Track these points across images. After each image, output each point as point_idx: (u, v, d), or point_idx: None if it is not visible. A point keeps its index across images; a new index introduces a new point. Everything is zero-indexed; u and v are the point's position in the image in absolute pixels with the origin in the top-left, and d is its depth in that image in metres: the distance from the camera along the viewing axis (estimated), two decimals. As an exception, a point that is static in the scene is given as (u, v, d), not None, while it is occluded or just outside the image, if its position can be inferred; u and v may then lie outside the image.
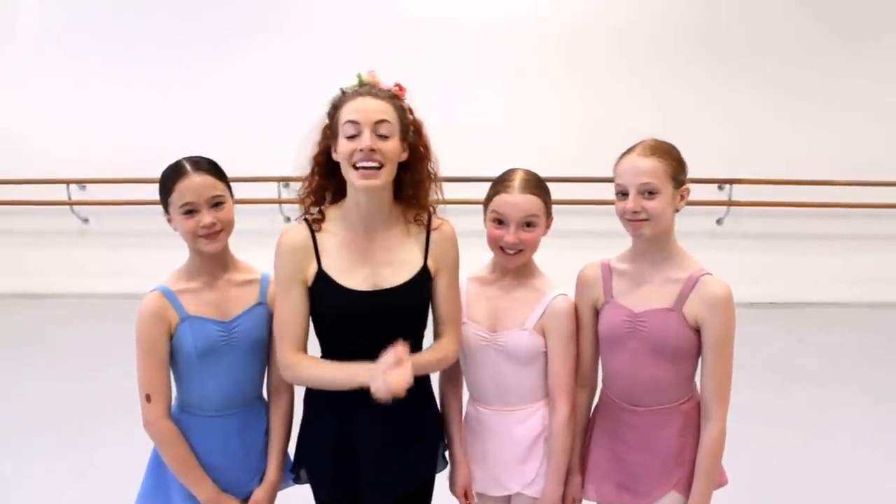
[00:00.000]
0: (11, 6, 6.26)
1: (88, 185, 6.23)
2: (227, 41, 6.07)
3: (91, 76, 6.17)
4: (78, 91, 6.20)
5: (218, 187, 1.66)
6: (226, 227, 1.67)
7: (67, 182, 6.13)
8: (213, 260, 1.71)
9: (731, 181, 5.90)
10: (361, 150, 1.54)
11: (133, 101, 6.15)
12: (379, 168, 1.55)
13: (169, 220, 1.69)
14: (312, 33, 6.03)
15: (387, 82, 1.65)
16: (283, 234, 1.67)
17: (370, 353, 1.55)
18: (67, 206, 6.23)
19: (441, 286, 1.71)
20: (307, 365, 1.64)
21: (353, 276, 1.63)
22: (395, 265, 1.66)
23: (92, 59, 6.17)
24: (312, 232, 1.65)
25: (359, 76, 1.64)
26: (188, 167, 1.64)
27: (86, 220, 6.36)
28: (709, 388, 1.66)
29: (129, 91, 6.14)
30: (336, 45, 5.81)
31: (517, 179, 1.73)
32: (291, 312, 1.64)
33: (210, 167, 1.67)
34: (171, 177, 1.64)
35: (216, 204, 1.65)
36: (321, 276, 1.63)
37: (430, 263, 1.69)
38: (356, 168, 1.55)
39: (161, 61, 6.10)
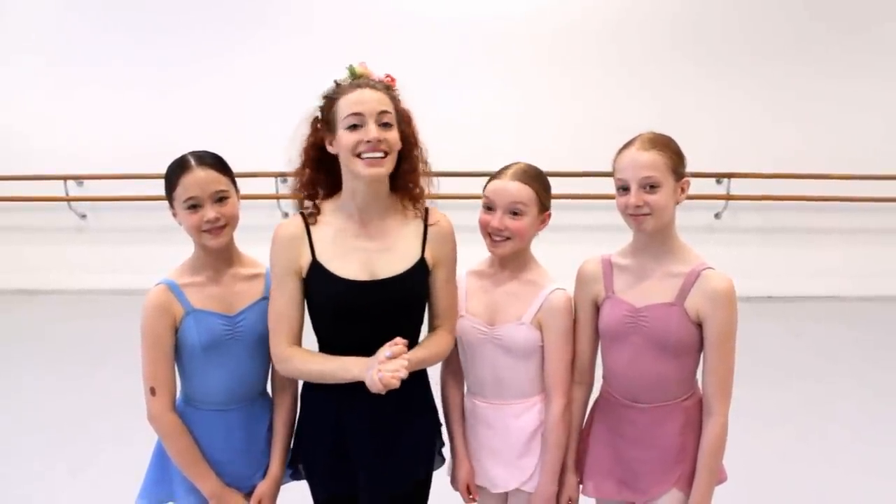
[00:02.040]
0: (11, 5, 6.23)
1: (86, 181, 6.22)
2: (224, 38, 6.06)
3: (88, 72, 6.16)
4: (75, 87, 6.18)
5: (222, 182, 1.66)
6: (230, 222, 1.67)
7: (65, 178, 6.12)
8: (217, 254, 1.71)
9: (729, 175, 5.91)
10: (369, 142, 1.55)
11: (130, 97, 6.14)
12: (384, 157, 1.58)
13: (174, 215, 1.68)
14: (309, 31, 6.02)
15: (377, 73, 1.67)
16: (278, 227, 1.68)
17: (367, 344, 1.56)
18: (65, 202, 6.22)
19: (439, 280, 1.72)
20: (301, 359, 1.64)
21: (349, 265, 1.63)
22: (392, 252, 1.66)
23: (89, 55, 6.15)
24: (307, 224, 1.66)
25: (351, 68, 1.65)
26: (192, 162, 1.64)
27: (83, 216, 6.35)
28: (710, 383, 1.64)
29: (125, 87, 6.13)
30: (332, 42, 5.79)
31: (512, 168, 1.75)
32: (286, 304, 1.64)
33: (214, 162, 1.67)
34: (175, 171, 1.64)
35: (220, 199, 1.65)
36: (315, 266, 1.63)
37: (427, 257, 1.69)
38: (361, 158, 1.56)
39: (158, 58, 6.09)
